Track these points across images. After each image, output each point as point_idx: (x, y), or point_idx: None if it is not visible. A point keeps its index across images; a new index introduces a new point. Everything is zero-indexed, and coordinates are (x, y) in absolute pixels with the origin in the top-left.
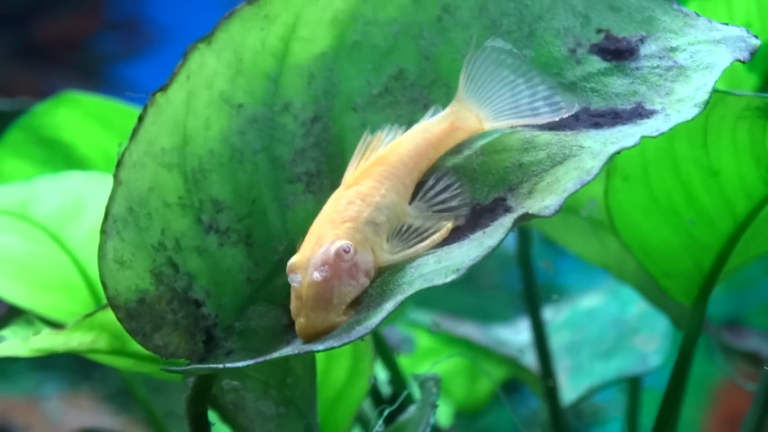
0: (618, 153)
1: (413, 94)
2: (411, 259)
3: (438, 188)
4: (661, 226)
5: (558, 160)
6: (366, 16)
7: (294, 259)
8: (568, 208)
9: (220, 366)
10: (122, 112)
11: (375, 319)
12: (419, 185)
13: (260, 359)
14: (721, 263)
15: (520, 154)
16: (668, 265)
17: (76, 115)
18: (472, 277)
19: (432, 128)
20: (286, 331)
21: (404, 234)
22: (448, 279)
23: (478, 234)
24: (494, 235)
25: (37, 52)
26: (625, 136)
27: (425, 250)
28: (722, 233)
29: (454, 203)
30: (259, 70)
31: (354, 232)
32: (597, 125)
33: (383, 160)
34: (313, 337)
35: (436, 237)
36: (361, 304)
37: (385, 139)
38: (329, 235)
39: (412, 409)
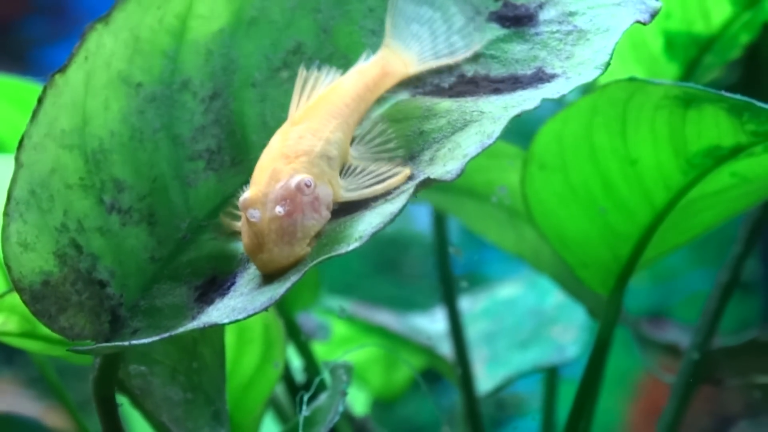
0: (518, 116)
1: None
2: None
3: (374, 133)
4: (579, 215)
5: (458, 126)
6: None
7: (248, 195)
8: (482, 195)
9: (125, 344)
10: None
11: (280, 290)
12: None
13: (164, 335)
14: (638, 253)
15: (421, 122)
16: (585, 254)
17: None
18: (395, 267)
19: (367, 72)
20: (191, 307)
21: (358, 173)
22: (351, 247)
23: (380, 201)
24: (396, 202)
25: None
26: (526, 99)
27: (382, 191)
28: (640, 223)
29: (391, 145)
30: (156, 49)
31: (310, 165)
32: (497, 91)
33: (326, 100)
34: (276, 272)
35: (393, 181)
36: (334, 227)
37: (325, 80)
38: (285, 169)
39: (323, 397)
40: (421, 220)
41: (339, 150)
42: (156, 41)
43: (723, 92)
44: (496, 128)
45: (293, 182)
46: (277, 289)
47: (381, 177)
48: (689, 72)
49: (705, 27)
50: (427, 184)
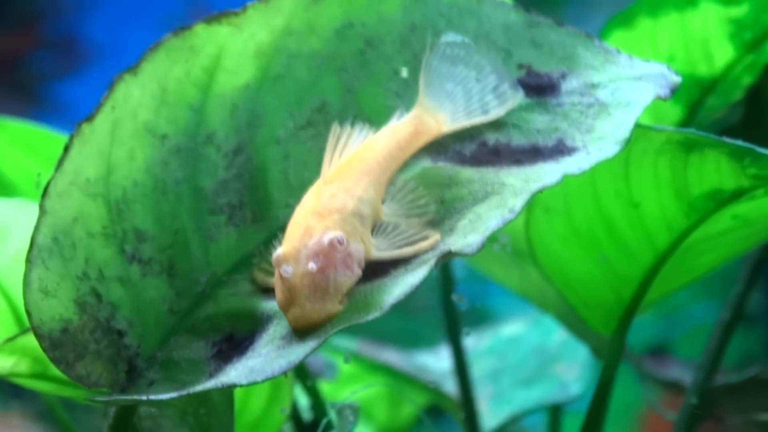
0: (540, 191)
1: None
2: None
3: (406, 190)
4: (582, 257)
5: (479, 197)
6: (289, 49)
7: (282, 250)
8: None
9: (144, 398)
10: (48, 138)
11: (300, 354)
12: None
13: (183, 392)
14: (640, 295)
15: (442, 190)
16: (588, 295)
17: (3, 139)
18: (401, 300)
19: (400, 131)
20: (209, 363)
21: (389, 233)
22: (370, 317)
23: (401, 270)
24: (417, 272)
25: None
26: (547, 173)
27: (413, 254)
28: (642, 265)
29: (422, 201)
30: (183, 101)
31: (343, 223)
32: (518, 162)
33: (359, 158)
34: (308, 327)
35: (424, 245)
36: (354, 294)
37: (358, 137)
38: (318, 226)
39: None
40: None
41: (371, 208)
42: (183, 93)
43: (724, 138)
44: (518, 203)
45: (326, 239)
46: (297, 353)
47: (412, 239)
48: (692, 113)
49: (708, 69)
50: (449, 257)
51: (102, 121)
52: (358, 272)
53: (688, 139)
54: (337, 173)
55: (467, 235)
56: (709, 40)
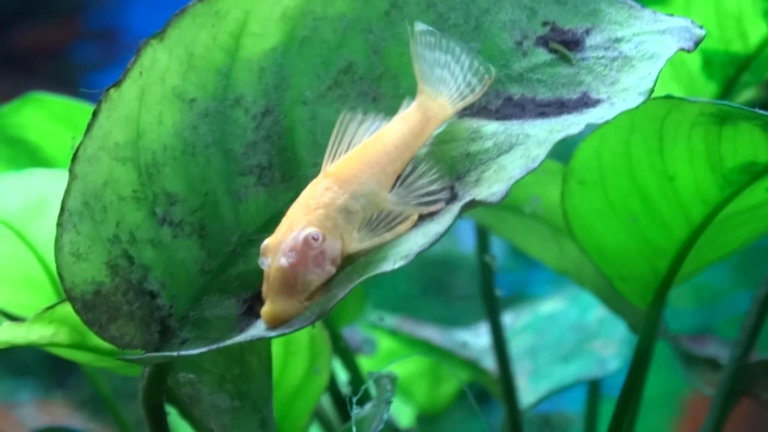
0: (563, 140)
1: (362, 87)
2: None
3: (416, 174)
4: (617, 229)
5: (504, 149)
6: (315, 12)
7: (267, 242)
8: (524, 211)
9: (174, 354)
10: (87, 112)
11: (327, 306)
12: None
13: (213, 347)
14: (676, 267)
15: (468, 143)
16: (624, 268)
17: (42, 115)
18: (443, 288)
19: (410, 118)
20: (239, 320)
21: (374, 222)
22: (397, 265)
23: (427, 221)
24: (441, 221)
25: (15, 61)
26: (571, 124)
27: (392, 238)
28: (677, 238)
29: (433, 188)
30: (210, 66)
31: (325, 219)
32: (543, 114)
33: (366, 150)
34: (275, 321)
35: (401, 228)
36: (327, 291)
37: (370, 128)
38: (301, 220)
39: (368, 406)
40: (469, 241)
41: (365, 203)
42: (210, 58)
43: (757, 110)
44: (541, 152)
45: (301, 235)
46: (324, 305)
47: (391, 224)
48: (727, 90)
49: (742, 46)
50: (472, 205)
51: (130, 87)
52: (330, 270)
53: (722, 111)
54: (339, 165)
55: (491, 185)
56: (743, 17)
